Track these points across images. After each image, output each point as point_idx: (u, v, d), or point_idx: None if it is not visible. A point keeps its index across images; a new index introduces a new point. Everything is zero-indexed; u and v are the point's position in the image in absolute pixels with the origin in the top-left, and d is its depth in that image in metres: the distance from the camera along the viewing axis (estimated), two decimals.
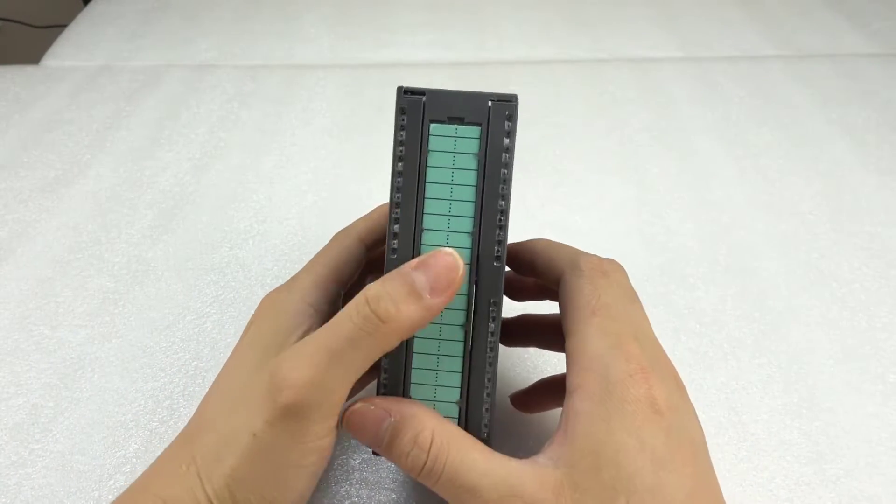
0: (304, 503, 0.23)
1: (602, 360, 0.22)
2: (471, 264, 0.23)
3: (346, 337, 0.21)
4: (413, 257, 0.23)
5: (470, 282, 0.23)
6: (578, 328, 0.23)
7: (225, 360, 0.37)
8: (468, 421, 0.24)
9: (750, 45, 0.68)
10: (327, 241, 0.28)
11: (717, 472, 0.22)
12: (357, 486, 0.31)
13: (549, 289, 0.28)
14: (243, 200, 0.48)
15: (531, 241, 0.28)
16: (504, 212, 0.23)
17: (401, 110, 0.23)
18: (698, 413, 0.23)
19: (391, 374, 0.24)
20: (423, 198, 0.23)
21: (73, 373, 0.36)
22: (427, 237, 0.23)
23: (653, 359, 0.23)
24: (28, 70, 0.66)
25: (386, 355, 0.23)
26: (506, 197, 0.23)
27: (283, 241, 0.45)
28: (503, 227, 0.23)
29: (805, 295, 0.41)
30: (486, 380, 0.24)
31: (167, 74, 0.63)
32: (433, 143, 0.23)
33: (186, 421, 0.34)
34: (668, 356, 0.24)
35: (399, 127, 0.23)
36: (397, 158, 0.23)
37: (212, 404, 0.24)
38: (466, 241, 0.23)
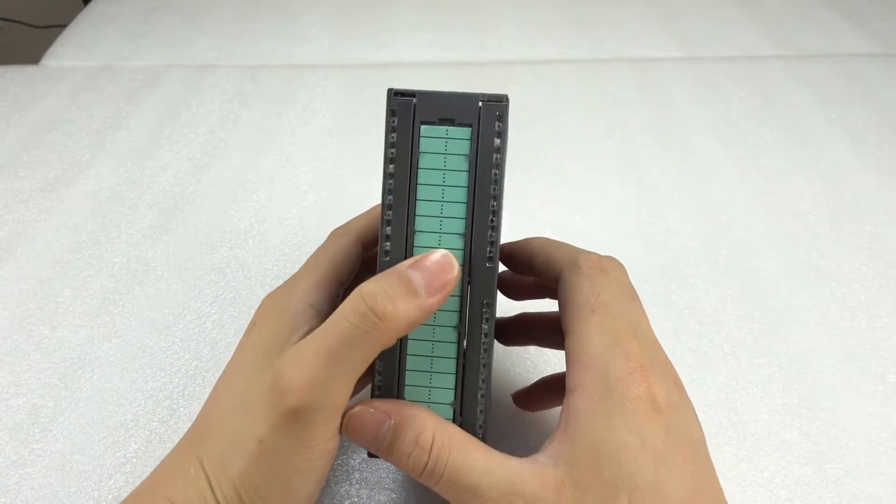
0: None
1: (602, 358, 0.22)
2: (463, 265, 0.23)
3: (344, 336, 0.21)
4: (405, 258, 0.23)
5: (463, 283, 0.23)
6: (578, 326, 0.23)
7: (225, 360, 0.37)
8: (463, 422, 0.24)
9: (750, 45, 0.68)
10: (324, 240, 0.28)
11: (717, 472, 0.22)
12: (357, 486, 0.31)
13: (547, 287, 0.28)
14: (243, 200, 0.48)
15: (529, 239, 0.28)
16: (496, 212, 0.23)
17: (391, 112, 0.23)
18: (698, 413, 0.23)
19: (385, 375, 0.24)
20: (415, 199, 0.23)
21: (73, 373, 0.36)
22: (419, 239, 0.23)
23: (652, 357, 0.23)
24: (28, 70, 0.66)
25: (380, 357, 0.23)
26: (497, 198, 0.23)
27: (283, 241, 0.45)
28: (495, 228, 0.23)
29: (805, 295, 0.41)
30: (480, 381, 0.24)
31: (167, 74, 0.63)
32: (424, 144, 0.23)
33: (186, 421, 0.34)
34: (667, 355, 0.24)
35: (390, 129, 0.23)
36: (388, 160, 0.23)
37: (217, 406, 0.24)
38: (459, 242, 0.23)
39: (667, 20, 0.73)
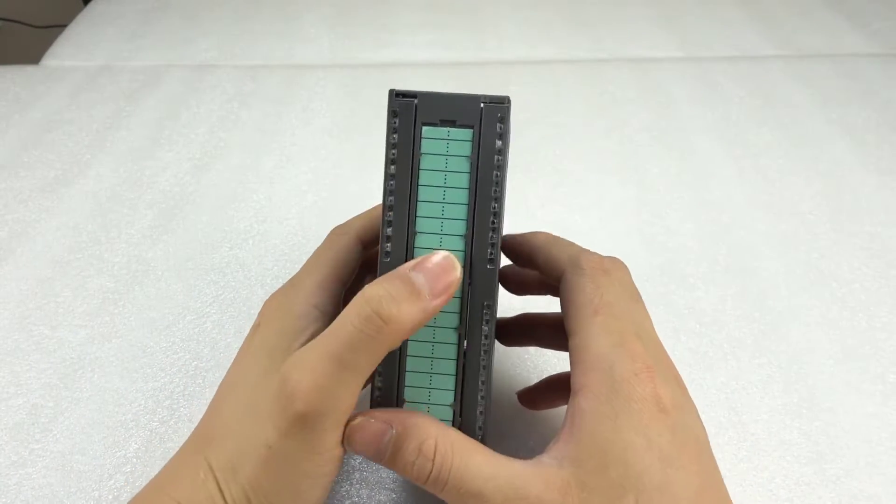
0: None
1: (607, 358, 0.22)
2: (464, 267, 0.23)
3: (349, 341, 0.21)
4: (406, 259, 0.23)
5: (463, 284, 0.23)
6: (581, 327, 0.23)
7: (225, 360, 0.37)
8: (462, 424, 0.24)
9: (750, 45, 0.68)
10: (324, 239, 0.28)
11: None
12: (357, 486, 0.31)
13: (549, 284, 0.28)
14: (243, 200, 0.48)
15: (531, 234, 0.28)
16: (497, 214, 0.23)
17: (392, 113, 0.23)
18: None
19: (385, 377, 0.24)
20: (416, 200, 0.23)
21: (73, 373, 0.36)
22: (420, 240, 0.23)
23: (656, 358, 0.23)
24: (28, 70, 0.66)
25: None
26: (499, 199, 0.23)
27: (283, 241, 0.45)
28: (496, 230, 0.23)
29: (805, 295, 0.41)
30: (480, 382, 0.24)
31: (167, 74, 0.63)
32: (425, 145, 0.23)
33: (186, 421, 0.34)
34: (669, 356, 0.24)
35: (391, 130, 0.23)
36: (389, 161, 0.23)
37: (223, 408, 0.24)
38: (460, 243, 0.23)
39: (667, 20, 0.73)
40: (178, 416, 0.34)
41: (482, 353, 0.24)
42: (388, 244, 0.23)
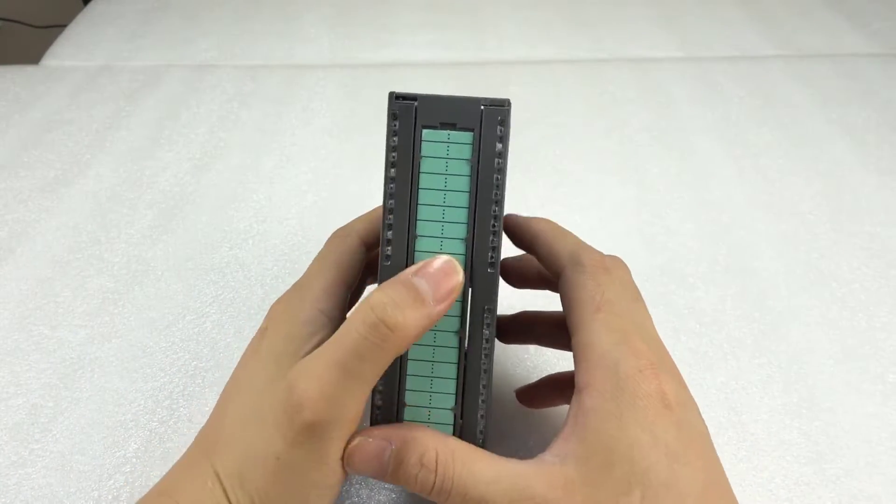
0: None
1: (610, 356, 0.22)
2: (465, 270, 0.23)
3: (355, 349, 0.21)
4: (407, 263, 0.23)
5: (464, 288, 0.23)
6: (583, 325, 0.23)
7: (225, 360, 0.37)
8: (463, 427, 0.24)
9: (750, 45, 0.68)
10: (325, 241, 0.28)
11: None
12: (357, 486, 0.31)
13: (548, 279, 0.28)
14: (243, 200, 0.48)
15: (534, 219, 0.28)
16: (498, 217, 0.23)
17: (393, 116, 0.23)
18: None
19: (386, 381, 0.24)
20: (417, 204, 0.23)
21: (72, 373, 0.36)
22: (421, 243, 0.23)
23: (658, 355, 0.23)
24: (28, 70, 0.66)
25: None
26: (499, 202, 0.23)
27: (283, 241, 0.45)
28: (497, 233, 0.23)
29: (805, 295, 0.41)
30: (481, 386, 0.24)
31: (167, 74, 0.63)
32: (426, 148, 0.23)
33: (186, 421, 0.34)
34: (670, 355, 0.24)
35: (391, 132, 0.23)
36: (390, 164, 0.23)
37: (229, 414, 0.24)
38: (460, 247, 0.23)
39: (667, 20, 0.73)
40: (177, 416, 0.34)
41: (483, 356, 0.24)
42: (389, 247, 0.23)
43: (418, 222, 0.23)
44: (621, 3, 0.76)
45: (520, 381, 0.35)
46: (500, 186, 0.23)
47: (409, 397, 0.24)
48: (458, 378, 0.24)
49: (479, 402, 0.24)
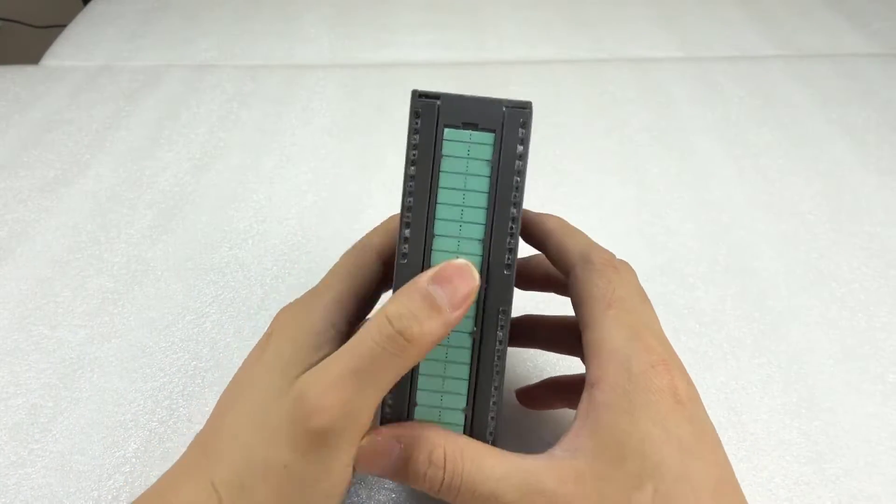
0: None
1: (622, 351, 0.22)
2: (481, 271, 0.23)
3: (371, 358, 0.21)
4: (423, 263, 0.23)
5: (479, 289, 0.23)
6: (595, 321, 0.23)
7: (224, 360, 0.37)
8: (473, 428, 0.24)
9: (750, 45, 0.68)
10: (342, 255, 0.27)
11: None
12: (357, 485, 0.31)
13: (554, 281, 0.28)
14: (243, 200, 0.48)
15: (545, 216, 0.28)
16: (516, 219, 0.23)
17: (415, 114, 0.23)
18: None
19: (398, 381, 0.24)
20: (435, 203, 0.23)
21: (72, 373, 0.36)
22: (438, 243, 0.23)
23: (668, 352, 0.23)
24: (28, 70, 0.66)
25: None
26: (518, 204, 0.23)
27: (283, 241, 0.45)
28: (514, 235, 0.23)
29: (805, 295, 0.41)
30: (493, 387, 0.24)
31: (167, 74, 0.63)
32: (447, 147, 0.23)
33: (186, 421, 0.34)
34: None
35: (413, 130, 0.23)
36: (410, 162, 0.23)
37: (229, 420, 0.23)
38: (477, 247, 0.23)
39: (667, 20, 0.73)
40: (177, 417, 0.34)
41: (496, 358, 0.23)
42: (406, 246, 0.23)
43: (437, 221, 0.23)
44: (621, 3, 0.76)
45: (520, 381, 0.35)
46: (520, 188, 0.23)
47: (420, 397, 0.24)
48: (470, 379, 0.24)
49: (491, 403, 0.24)
